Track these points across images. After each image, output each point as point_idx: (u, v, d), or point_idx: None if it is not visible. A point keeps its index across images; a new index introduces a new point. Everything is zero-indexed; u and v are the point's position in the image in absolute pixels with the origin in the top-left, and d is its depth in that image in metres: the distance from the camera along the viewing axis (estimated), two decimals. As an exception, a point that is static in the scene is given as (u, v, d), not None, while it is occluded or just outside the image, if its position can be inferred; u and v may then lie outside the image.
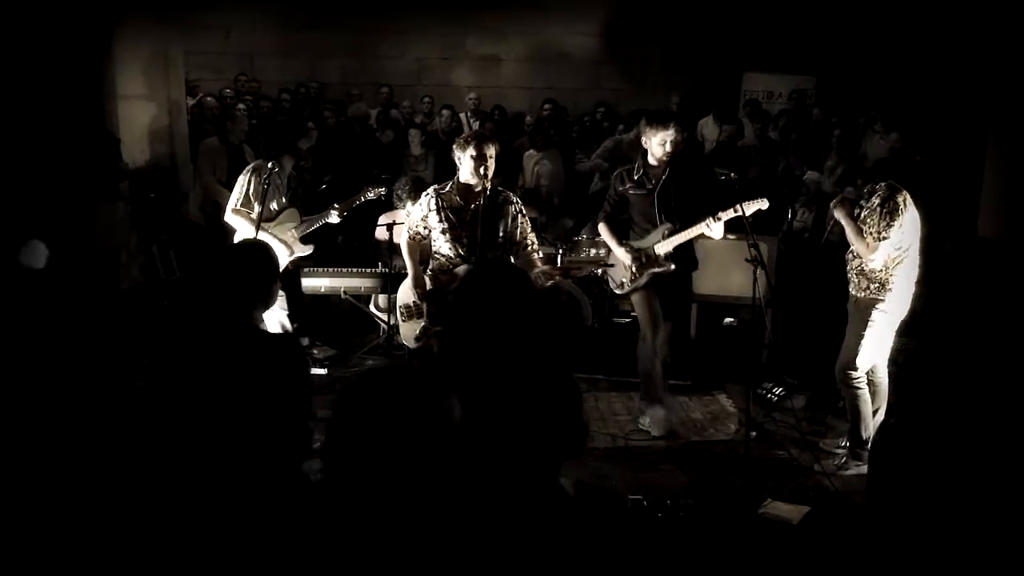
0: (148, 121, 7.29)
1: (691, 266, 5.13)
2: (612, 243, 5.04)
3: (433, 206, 4.41)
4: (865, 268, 4.47)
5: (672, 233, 4.87)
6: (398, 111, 9.38)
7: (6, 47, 5.80)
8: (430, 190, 4.54)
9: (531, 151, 7.89)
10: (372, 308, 6.56)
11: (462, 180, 4.39)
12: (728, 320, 6.42)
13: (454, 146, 4.45)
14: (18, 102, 5.93)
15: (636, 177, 4.95)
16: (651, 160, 4.88)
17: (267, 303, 2.84)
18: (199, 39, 9.69)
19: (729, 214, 4.77)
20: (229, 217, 5.44)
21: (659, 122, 4.79)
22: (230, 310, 2.69)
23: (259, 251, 2.92)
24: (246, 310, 2.73)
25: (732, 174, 6.16)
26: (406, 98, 9.78)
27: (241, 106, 8.07)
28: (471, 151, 4.27)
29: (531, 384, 2.01)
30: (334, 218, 5.71)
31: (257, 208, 5.27)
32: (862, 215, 4.47)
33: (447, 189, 4.44)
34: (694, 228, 4.86)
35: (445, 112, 9.02)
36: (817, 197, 6.97)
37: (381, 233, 6.17)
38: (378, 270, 6.27)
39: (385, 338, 6.26)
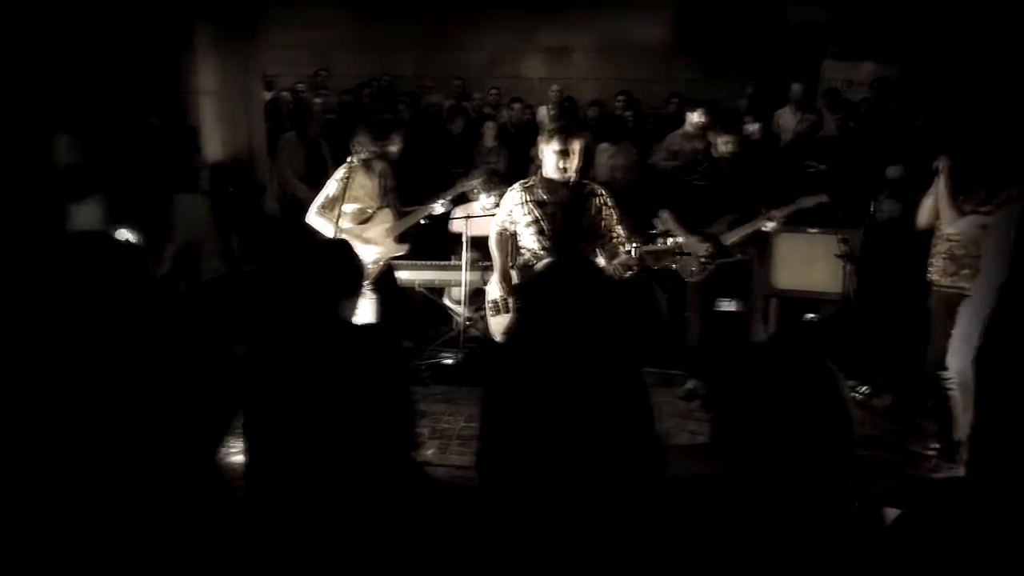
0: (226, 115, 7.42)
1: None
2: (681, 232, 5.11)
3: (518, 200, 4.41)
4: (956, 252, 4.33)
5: (735, 225, 5.00)
6: (469, 103, 9.40)
7: (91, 40, 5.96)
8: (516, 184, 4.55)
9: (604, 144, 7.81)
10: (446, 301, 6.58)
11: (546, 173, 4.37)
12: (809, 315, 6.28)
13: (539, 139, 4.45)
14: (102, 95, 6.10)
15: (700, 169, 5.07)
16: (714, 153, 5.03)
17: (354, 296, 2.87)
18: (274, 34, 9.84)
19: (785, 210, 4.80)
20: (311, 219, 5.19)
21: (726, 129, 4.96)
22: (317, 305, 2.72)
23: (339, 248, 2.96)
24: (332, 304, 2.76)
25: (822, 166, 6.01)
26: (478, 90, 9.78)
27: (317, 100, 8.17)
28: (554, 145, 4.24)
29: (602, 388, 2.00)
30: (439, 208, 5.44)
31: (342, 209, 5.06)
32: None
33: (532, 183, 4.44)
34: (754, 221, 5.00)
35: (516, 105, 9.01)
36: (903, 189, 6.77)
37: (457, 226, 6.18)
38: (453, 263, 6.27)
39: (459, 331, 6.28)
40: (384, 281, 5.24)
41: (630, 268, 4.48)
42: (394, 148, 5.12)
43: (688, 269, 5.14)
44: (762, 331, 5.48)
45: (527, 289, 4.37)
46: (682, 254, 5.17)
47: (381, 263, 5.23)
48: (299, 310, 2.80)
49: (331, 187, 5.09)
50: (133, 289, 2.41)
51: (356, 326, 3.02)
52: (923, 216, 4.59)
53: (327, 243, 3.62)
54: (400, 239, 5.33)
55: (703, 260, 5.07)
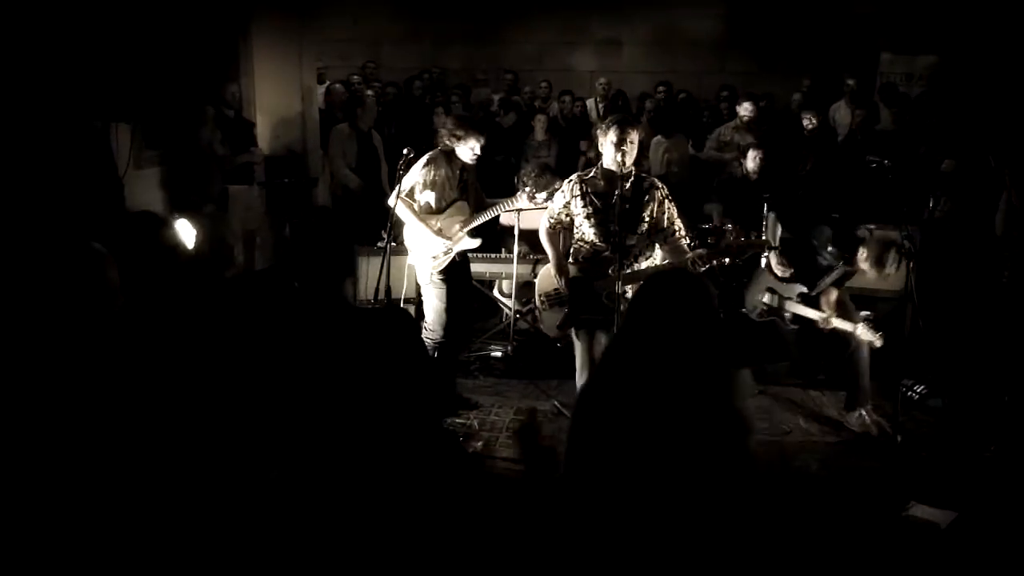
0: (281, 107, 7.52)
1: None
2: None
3: (577, 192, 4.38)
4: None
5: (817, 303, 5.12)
6: (520, 97, 9.41)
7: (148, 34, 6.07)
8: (573, 176, 4.51)
9: (658, 137, 7.77)
10: (496, 293, 6.60)
11: (605, 165, 4.35)
12: (864, 313, 6.16)
13: (597, 131, 4.43)
14: (160, 87, 6.21)
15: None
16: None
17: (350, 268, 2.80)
18: (327, 27, 9.92)
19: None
20: (393, 201, 5.13)
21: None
22: (321, 285, 2.63)
23: (325, 216, 2.88)
24: (335, 281, 2.66)
25: (885, 161, 5.91)
26: (528, 83, 9.77)
27: (369, 92, 8.23)
28: (612, 136, 4.21)
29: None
30: (524, 203, 5.26)
31: (420, 196, 5.10)
32: None
33: (591, 175, 4.42)
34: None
35: (566, 98, 8.99)
36: (958, 186, 6.62)
37: (508, 219, 6.18)
38: (503, 255, 6.29)
39: (507, 324, 6.30)
40: (453, 272, 5.14)
41: (708, 262, 4.35)
42: (468, 145, 5.01)
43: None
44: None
45: (589, 282, 4.37)
46: (775, 247, 5.23)
47: (452, 255, 5.13)
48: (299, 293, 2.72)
49: (414, 174, 5.09)
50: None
51: (356, 307, 2.98)
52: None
53: (314, 213, 3.46)
54: (473, 234, 5.23)
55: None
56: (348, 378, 2.45)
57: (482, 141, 5.03)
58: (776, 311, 5.21)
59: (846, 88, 8.49)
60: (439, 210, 5.09)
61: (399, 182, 4.99)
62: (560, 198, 4.50)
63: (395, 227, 5.15)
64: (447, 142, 5.02)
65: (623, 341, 2.43)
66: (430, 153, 5.19)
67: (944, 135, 7.51)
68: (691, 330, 2.21)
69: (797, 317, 5.18)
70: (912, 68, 9.25)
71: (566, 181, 4.53)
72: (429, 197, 5.08)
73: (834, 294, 5.10)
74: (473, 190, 5.27)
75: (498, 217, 6.48)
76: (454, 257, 5.14)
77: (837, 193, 6.18)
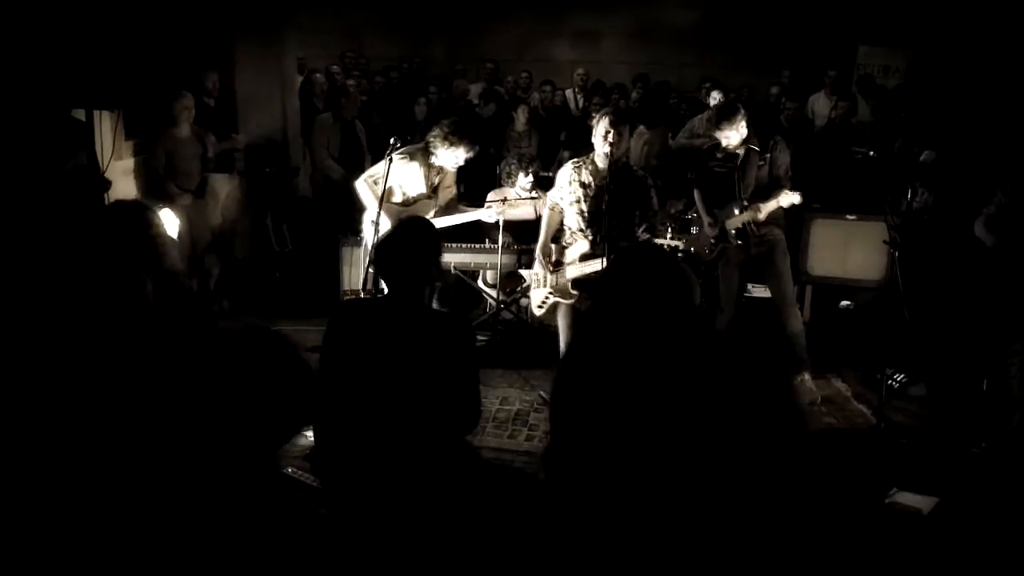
0: (262, 97, 7.46)
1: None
2: (703, 211, 5.28)
3: (569, 178, 4.48)
4: None
5: (742, 211, 5.10)
6: (502, 87, 9.40)
7: (133, 25, 6.00)
8: (568, 163, 4.61)
9: (640, 128, 7.80)
10: (480, 284, 6.60)
11: (595, 155, 4.42)
12: (844, 303, 6.25)
13: (591, 120, 4.51)
14: (139, 78, 6.15)
15: (719, 155, 5.16)
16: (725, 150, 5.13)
17: (433, 281, 2.87)
18: (307, 15, 9.84)
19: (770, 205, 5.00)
20: (359, 183, 5.25)
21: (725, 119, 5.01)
22: (405, 290, 2.72)
23: (424, 228, 2.91)
24: (418, 289, 2.75)
25: (871, 152, 5.97)
26: (509, 74, 9.76)
27: (351, 82, 8.19)
28: (602, 127, 4.27)
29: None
30: (492, 216, 5.39)
31: (388, 187, 5.07)
32: None
33: (582, 163, 4.50)
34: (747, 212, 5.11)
35: (546, 88, 9.00)
36: (936, 177, 6.70)
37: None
38: (487, 246, 6.29)
39: (491, 314, 6.31)
40: None
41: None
42: (455, 153, 5.02)
43: (702, 251, 5.19)
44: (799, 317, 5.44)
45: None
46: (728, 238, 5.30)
47: None
48: (390, 296, 2.76)
49: (383, 164, 5.11)
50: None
51: (433, 311, 3.02)
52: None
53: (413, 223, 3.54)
54: None
55: (711, 242, 5.17)
56: (407, 377, 2.47)
57: (472, 153, 5.07)
58: (723, 237, 5.24)
59: (827, 79, 8.56)
60: (404, 203, 5.10)
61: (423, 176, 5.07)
62: (559, 180, 4.61)
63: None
64: (435, 142, 5.02)
65: (597, 312, 2.46)
66: (409, 147, 5.24)
67: (922, 127, 7.60)
68: (661, 297, 2.25)
69: (738, 231, 5.22)
70: (890, 60, 9.36)
71: (565, 164, 4.63)
72: (395, 187, 5.09)
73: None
74: (446, 193, 5.29)
75: (481, 207, 6.51)
76: None
77: (817, 183, 6.24)
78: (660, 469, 2.01)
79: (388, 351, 2.52)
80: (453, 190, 5.36)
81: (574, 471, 2.17)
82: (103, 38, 4.74)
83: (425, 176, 5.09)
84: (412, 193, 5.15)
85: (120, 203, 3.70)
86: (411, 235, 2.80)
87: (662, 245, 4.68)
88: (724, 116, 5.01)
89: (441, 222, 5.19)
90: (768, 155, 5.08)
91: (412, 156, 5.11)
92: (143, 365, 2.24)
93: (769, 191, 5.08)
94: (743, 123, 4.99)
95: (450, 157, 5.05)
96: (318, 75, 8.32)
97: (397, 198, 5.10)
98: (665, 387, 2.09)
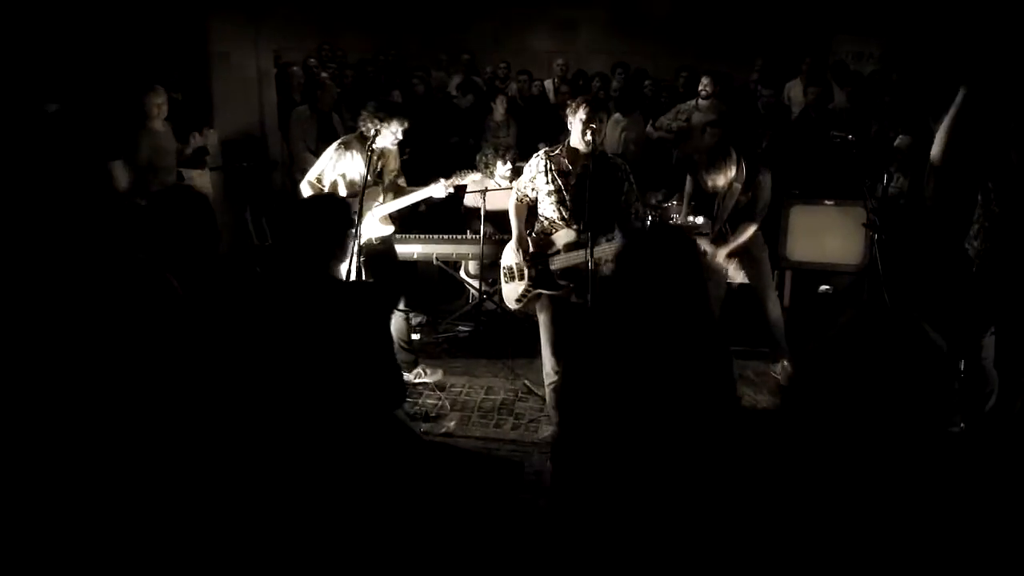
0: (238, 91, 7.40)
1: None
2: (686, 202, 5.41)
3: (542, 168, 4.39)
4: None
5: (709, 242, 5.20)
6: (480, 77, 9.39)
7: (101, 19, 5.94)
8: (540, 152, 4.51)
9: (617, 115, 7.82)
10: (462, 274, 6.61)
11: (572, 143, 4.35)
12: (823, 287, 6.31)
13: (567, 109, 4.43)
14: (114, 69, 6.09)
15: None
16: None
17: (343, 254, 2.91)
18: (282, 8, 9.76)
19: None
20: (304, 186, 5.19)
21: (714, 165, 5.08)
22: (310, 264, 2.74)
23: (332, 203, 2.97)
24: (324, 261, 2.78)
25: (850, 136, 6.03)
26: (487, 64, 9.74)
27: (325, 75, 8.15)
28: (581, 114, 4.23)
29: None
30: (441, 193, 5.29)
31: (334, 181, 5.05)
32: None
33: (557, 152, 4.41)
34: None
35: (523, 77, 9.00)
36: (911, 162, 6.78)
37: (473, 200, 6.19)
38: (468, 236, 6.29)
39: (474, 304, 6.33)
40: (375, 260, 5.09)
41: None
42: (391, 130, 4.98)
43: None
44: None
45: (547, 257, 4.40)
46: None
47: (373, 241, 5.14)
48: (294, 271, 2.78)
49: (323, 159, 5.11)
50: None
51: (345, 282, 3.05)
52: None
53: (319, 199, 3.55)
54: (390, 219, 5.25)
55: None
56: (324, 349, 2.48)
57: (405, 125, 5.02)
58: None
59: (803, 67, 8.62)
60: (351, 194, 4.99)
61: (364, 164, 4.98)
62: (527, 172, 4.51)
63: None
64: (367, 125, 4.99)
65: (612, 302, 2.45)
66: (343, 137, 5.20)
67: (897, 113, 7.68)
68: (679, 287, 2.25)
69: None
70: (863, 47, 9.44)
71: (534, 156, 4.54)
72: (338, 181, 5.05)
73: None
74: (390, 176, 5.24)
75: (463, 198, 6.52)
76: (376, 244, 5.15)
77: (796, 169, 6.30)
78: (673, 460, 2.04)
79: (295, 325, 2.53)
80: (396, 172, 5.30)
81: (589, 463, 2.19)
82: (71, 33, 4.70)
83: (366, 163, 5.00)
84: (357, 184, 5.06)
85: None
86: (313, 212, 2.86)
87: (681, 224, 4.74)
88: (713, 162, 5.07)
89: (392, 206, 5.20)
90: (750, 192, 5.15)
91: (348, 145, 5.05)
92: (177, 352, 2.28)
93: (745, 216, 5.18)
94: (733, 166, 5.06)
95: (387, 136, 5.00)
96: (295, 68, 8.27)
97: (343, 191, 5.02)
98: (684, 379, 2.11)
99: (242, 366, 2.49)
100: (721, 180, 5.08)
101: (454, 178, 5.31)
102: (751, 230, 5.17)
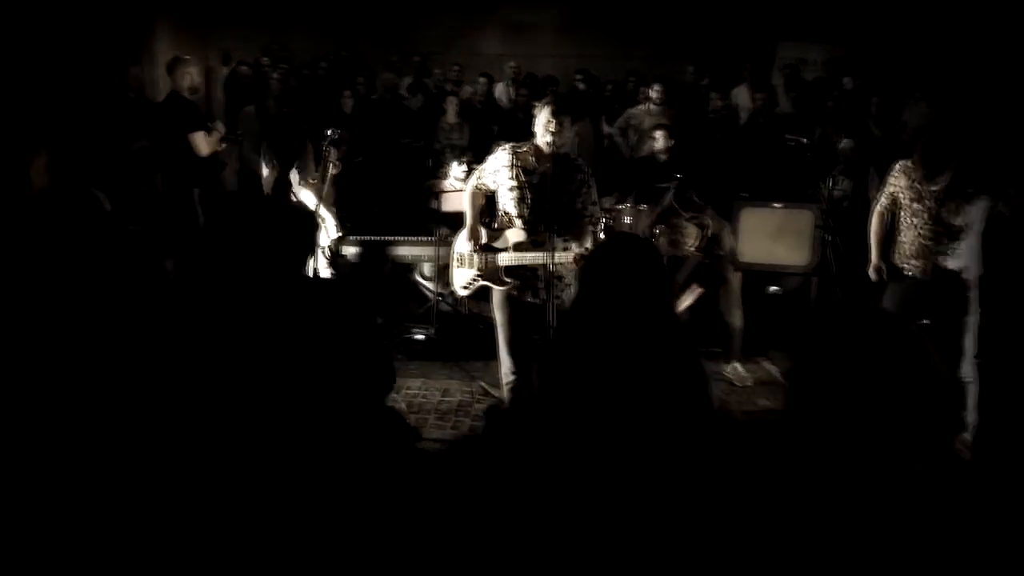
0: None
1: None
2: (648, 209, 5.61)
3: (507, 162, 4.38)
4: None
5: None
6: (430, 79, 9.36)
7: (48, 18, 5.81)
8: (507, 146, 4.48)
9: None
10: (417, 277, 6.57)
11: (536, 142, 4.36)
12: (773, 288, 6.42)
13: (534, 108, 4.42)
14: (60, 73, 5.96)
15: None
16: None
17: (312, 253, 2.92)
18: (230, 7, 9.63)
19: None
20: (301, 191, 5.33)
21: None
22: (283, 264, 2.72)
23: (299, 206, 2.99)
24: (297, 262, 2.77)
25: (804, 140, 6.15)
26: (438, 66, 9.72)
27: (275, 75, 8.06)
28: (544, 115, 4.23)
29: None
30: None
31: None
32: None
33: (524, 149, 4.40)
34: None
35: (481, 80, 9.00)
36: (854, 165, 6.96)
37: (432, 202, 6.17)
38: (423, 238, 6.27)
39: (429, 306, 6.30)
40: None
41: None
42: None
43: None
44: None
45: (588, 263, 4.39)
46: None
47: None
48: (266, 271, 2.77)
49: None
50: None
51: (321, 280, 3.05)
52: None
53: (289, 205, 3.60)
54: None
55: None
56: (308, 344, 2.48)
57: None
58: None
59: (745, 73, 8.80)
60: None
61: (324, 161, 5.02)
62: (491, 163, 4.48)
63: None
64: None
65: (583, 307, 2.47)
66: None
67: (840, 117, 7.89)
68: (645, 287, 2.30)
69: None
70: (806, 54, 9.67)
71: (500, 148, 4.52)
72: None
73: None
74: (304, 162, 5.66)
75: (428, 201, 6.49)
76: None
77: (745, 172, 6.41)
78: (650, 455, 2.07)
79: (274, 325, 2.53)
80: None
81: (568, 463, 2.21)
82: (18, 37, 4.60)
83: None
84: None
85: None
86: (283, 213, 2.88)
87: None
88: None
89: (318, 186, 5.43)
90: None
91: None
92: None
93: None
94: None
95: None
96: (244, 67, 8.16)
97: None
98: (655, 379, 2.14)
99: (232, 354, 2.48)
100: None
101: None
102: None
